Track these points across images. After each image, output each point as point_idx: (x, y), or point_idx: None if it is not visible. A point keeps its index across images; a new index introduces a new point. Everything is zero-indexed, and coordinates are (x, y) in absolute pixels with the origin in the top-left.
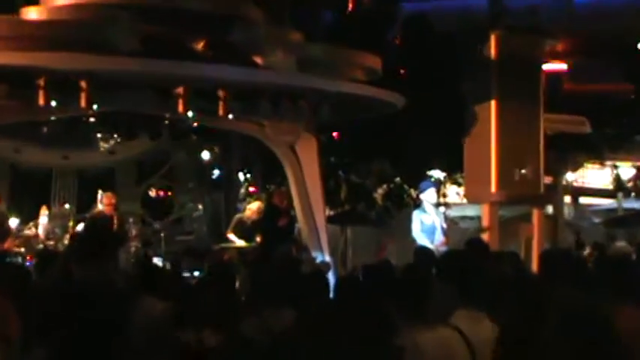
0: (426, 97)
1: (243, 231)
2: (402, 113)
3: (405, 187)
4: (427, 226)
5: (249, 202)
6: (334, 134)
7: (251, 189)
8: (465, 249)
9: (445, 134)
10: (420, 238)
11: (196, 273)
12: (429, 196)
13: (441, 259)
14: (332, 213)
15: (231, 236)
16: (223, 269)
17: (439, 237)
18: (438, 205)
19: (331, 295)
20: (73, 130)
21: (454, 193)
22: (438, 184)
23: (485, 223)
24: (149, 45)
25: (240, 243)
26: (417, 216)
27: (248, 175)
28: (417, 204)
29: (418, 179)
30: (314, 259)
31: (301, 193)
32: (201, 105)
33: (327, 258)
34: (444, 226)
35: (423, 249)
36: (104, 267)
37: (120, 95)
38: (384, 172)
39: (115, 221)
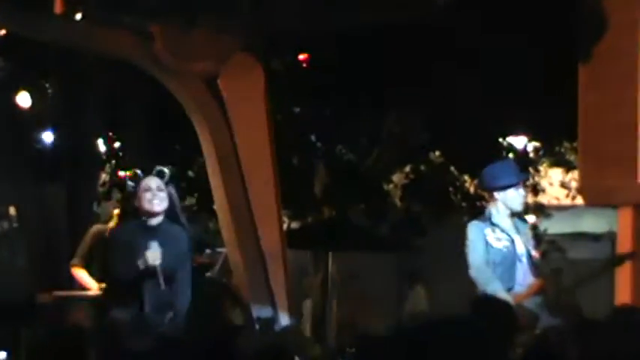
0: None
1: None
2: (447, 18)
3: (452, 170)
4: (500, 253)
5: (120, 202)
6: (301, 57)
7: (122, 173)
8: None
9: (537, 63)
10: (485, 280)
11: (3, 355)
12: (508, 195)
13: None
14: (296, 225)
15: (80, 272)
16: (65, 346)
17: (524, 278)
18: (522, 212)
19: None
20: None
21: (555, 184)
22: (525, 169)
23: (623, 246)
24: None
25: (98, 287)
26: (477, 232)
27: (117, 145)
28: (478, 208)
29: (479, 155)
30: (267, 322)
31: (231, 184)
32: None
33: (285, 318)
34: (535, 254)
35: (494, 304)
36: None
37: None
38: (407, 138)
39: None
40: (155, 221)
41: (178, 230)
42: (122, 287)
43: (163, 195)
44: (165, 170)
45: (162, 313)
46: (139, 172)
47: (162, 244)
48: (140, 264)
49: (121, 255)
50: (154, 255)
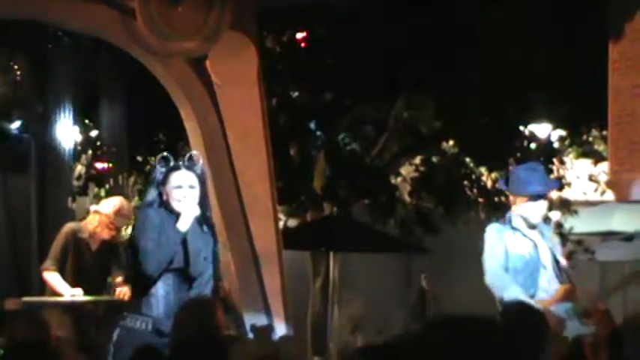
0: None
1: (80, 265)
2: None
3: (468, 161)
4: (521, 259)
5: (97, 198)
6: (299, 36)
7: (99, 165)
8: None
9: (562, 43)
10: (502, 285)
11: None
12: (529, 207)
13: None
14: (294, 223)
15: (52, 276)
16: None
17: (549, 284)
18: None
19: None
20: None
21: (583, 177)
22: (549, 160)
23: None
24: None
25: (72, 293)
26: (497, 235)
27: (94, 134)
28: (496, 204)
29: (498, 145)
30: (264, 330)
31: (220, 176)
32: None
33: (281, 326)
34: (563, 262)
35: (524, 308)
36: None
37: None
38: (417, 125)
39: None
40: None
41: (206, 225)
42: (145, 285)
43: (195, 193)
44: (197, 154)
45: None
46: (169, 156)
47: (191, 237)
48: (180, 226)
49: (154, 232)
50: (191, 208)
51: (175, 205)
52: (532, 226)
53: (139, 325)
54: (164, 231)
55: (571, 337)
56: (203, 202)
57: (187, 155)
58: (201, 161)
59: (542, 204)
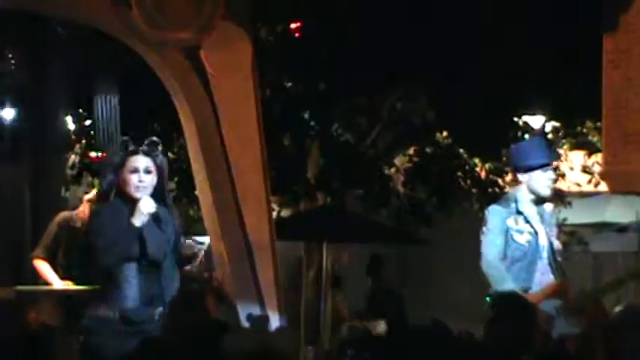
0: None
1: (72, 253)
2: None
3: (461, 152)
4: (520, 249)
5: (90, 187)
6: (293, 26)
7: (93, 154)
8: None
9: (557, 34)
10: (497, 279)
11: None
12: (534, 177)
13: None
14: (287, 213)
15: (42, 266)
16: (29, 347)
17: (543, 275)
18: (543, 200)
19: None
20: None
21: (576, 168)
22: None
23: None
24: None
25: (61, 283)
26: (499, 221)
27: (88, 123)
28: (489, 195)
29: (491, 136)
30: (259, 320)
31: (214, 166)
32: None
33: (275, 316)
34: (557, 244)
35: (515, 304)
36: None
37: None
38: (411, 116)
39: None
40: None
41: (164, 213)
42: (108, 275)
43: (151, 179)
44: (158, 140)
45: (152, 308)
46: (128, 141)
47: (147, 226)
48: (135, 221)
49: (106, 233)
50: (147, 204)
51: (131, 192)
52: (540, 201)
53: (106, 313)
54: (117, 226)
55: (555, 336)
56: (161, 192)
57: (147, 141)
58: (160, 149)
59: (551, 174)
